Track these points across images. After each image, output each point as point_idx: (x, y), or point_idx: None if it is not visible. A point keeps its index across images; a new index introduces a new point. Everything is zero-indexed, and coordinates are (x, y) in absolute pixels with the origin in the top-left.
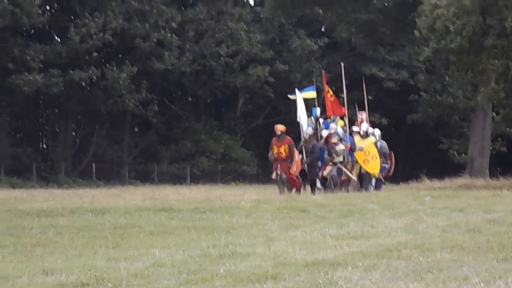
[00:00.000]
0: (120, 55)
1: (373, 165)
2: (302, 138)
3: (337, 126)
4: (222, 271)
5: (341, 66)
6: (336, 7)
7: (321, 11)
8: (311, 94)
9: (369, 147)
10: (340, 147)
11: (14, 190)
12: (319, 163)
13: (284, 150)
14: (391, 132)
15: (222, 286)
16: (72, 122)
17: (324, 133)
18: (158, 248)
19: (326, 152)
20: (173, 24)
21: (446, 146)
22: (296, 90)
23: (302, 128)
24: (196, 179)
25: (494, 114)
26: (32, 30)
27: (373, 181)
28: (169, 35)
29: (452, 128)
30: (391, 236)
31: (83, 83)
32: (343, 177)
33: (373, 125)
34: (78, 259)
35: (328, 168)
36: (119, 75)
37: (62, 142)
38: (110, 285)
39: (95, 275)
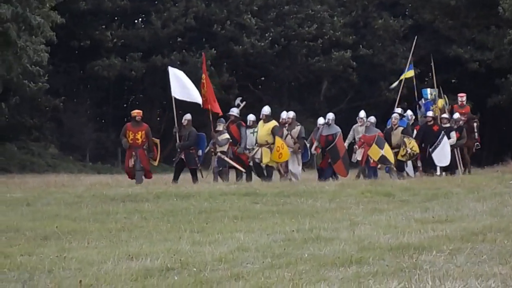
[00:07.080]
0: (203, 39)
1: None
2: (175, 124)
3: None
4: (306, 255)
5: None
6: None
7: None
8: (410, 73)
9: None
10: (224, 136)
11: (99, 176)
12: (200, 152)
13: (141, 137)
14: (476, 115)
15: (306, 270)
16: (156, 108)
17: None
18: (243, 233)
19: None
20: (254, 7)
21: None
22: (169, 68)
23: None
24: None
25: None
26: (115, 15)
27: (299, 169)
28: (249, 19)
29: None
30: (476, 219)
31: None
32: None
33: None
34: (163, 243)
35: (213, 158)
36: (199, 59)
37: None
38: (194, 269)
39: (180, 260)
